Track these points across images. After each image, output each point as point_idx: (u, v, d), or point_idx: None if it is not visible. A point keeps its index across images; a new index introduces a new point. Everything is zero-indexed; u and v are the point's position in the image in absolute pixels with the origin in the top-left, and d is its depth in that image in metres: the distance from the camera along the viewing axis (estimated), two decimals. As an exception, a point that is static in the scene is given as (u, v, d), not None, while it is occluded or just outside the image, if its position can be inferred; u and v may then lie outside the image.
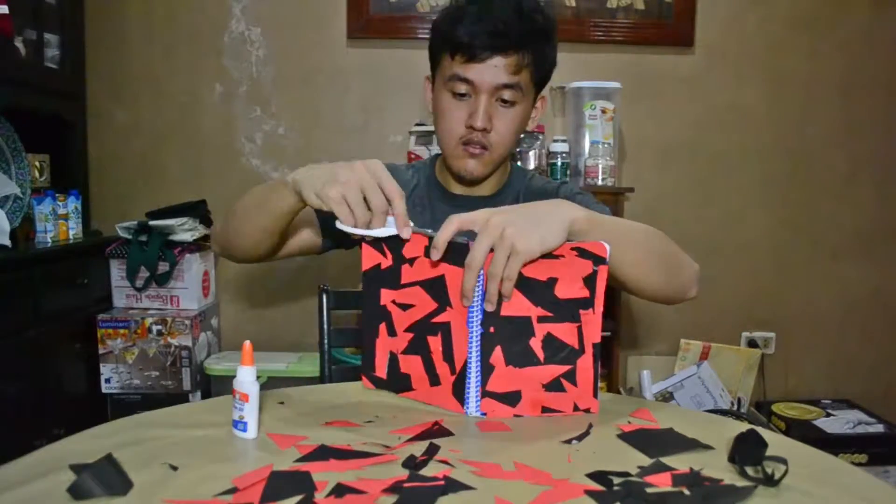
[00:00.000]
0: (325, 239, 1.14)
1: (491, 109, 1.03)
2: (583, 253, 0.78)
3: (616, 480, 0.64)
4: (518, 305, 0.80)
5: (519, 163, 2.12)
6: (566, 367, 0.82)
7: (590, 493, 0.62)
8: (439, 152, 1.24)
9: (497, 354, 0.82)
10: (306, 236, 1.12)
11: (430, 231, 0.83)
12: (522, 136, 2.08)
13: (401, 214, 0.82)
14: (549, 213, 0.80)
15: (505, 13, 0.99)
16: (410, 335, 0.87)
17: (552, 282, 0.80)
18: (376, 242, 0.87)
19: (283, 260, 2.39)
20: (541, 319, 0.81)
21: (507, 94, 1.03)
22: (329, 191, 0.80)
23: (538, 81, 1.07)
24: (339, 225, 0.82)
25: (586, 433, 0.77)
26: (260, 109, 2.31)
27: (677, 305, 2.52)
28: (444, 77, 1.05)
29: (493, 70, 1.01)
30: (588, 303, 0.80)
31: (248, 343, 0.74)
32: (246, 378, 0.73)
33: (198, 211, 2.16)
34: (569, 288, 0.80)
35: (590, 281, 0.79)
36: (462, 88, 1.03)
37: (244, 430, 0.74)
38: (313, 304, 2.23)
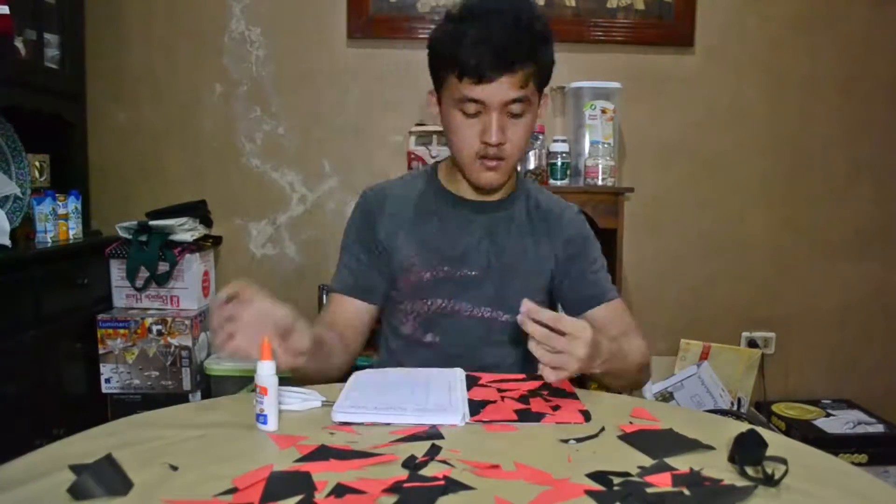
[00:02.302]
0: (374, 298, 1.17)
1: (503, 123, 1.04)
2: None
3: (616, 480, 0.65)
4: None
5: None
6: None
7: (590, 493, 0.62)
8: (439, 159, 1.25)
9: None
10: (365, 317, 1.17)
11: None
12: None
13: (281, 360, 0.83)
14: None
15: (505, 29, 1.00)
16: None
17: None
18: None
19: (281, 260, 2.39)
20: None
21: (516, 108, 1.05)
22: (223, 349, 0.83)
23: (541, 85, 1.09)
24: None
25: (594, 436, 0.77)
26: (260, 109, 2.31)
27: (677, 305, 2.51)
28: (453, 97, 1.05)
29: (500, 89, 1.02)
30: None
31: (266, 339, 0.76)
32: (265, 372, 0.76)
33: (198, 211, 2.16)
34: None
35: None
36: (472, 109, 1.04)
37: (265, 422, 0.77)
38: (313, 304, 2.24)
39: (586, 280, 1.18)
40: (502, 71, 1.01)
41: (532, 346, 0.85)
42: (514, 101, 1.03)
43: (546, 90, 1.12)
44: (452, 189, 1.17)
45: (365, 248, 1.16)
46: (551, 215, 1.19)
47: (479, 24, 1.00)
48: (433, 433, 0.76)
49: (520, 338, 0.92)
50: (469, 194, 1.16)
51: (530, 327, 0.85)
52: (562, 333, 0.84)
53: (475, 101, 1.03)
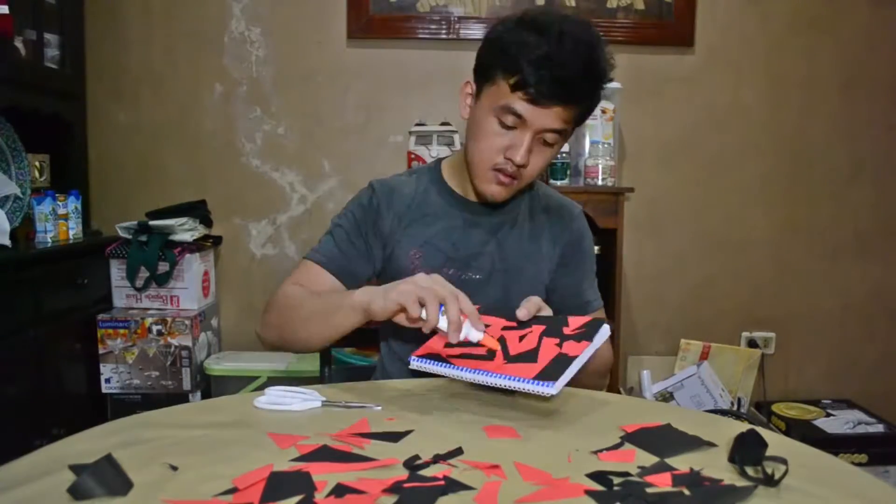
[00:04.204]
0: (350, 283, 1.14)
1: (532, 147, 1.03)
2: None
3: (616, 480, 0.64)
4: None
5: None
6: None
7: (590, 493, 0.62)
8: (442, 157, 1.24)
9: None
10: None
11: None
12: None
13: (454, 319, 0.85)
14: None
15: (579, 62, 0.96)
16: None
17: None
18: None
19: (281, 260, 2.39)
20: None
21: (550, 138, 1.03)
22: (394, 295, 0.88)
23: (579, 123, 1.07)
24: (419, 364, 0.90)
25: (616, 445, 0.75)
26: (260, 109, 2.31)
27: (677, 305, 2.51)
28: (496, 102, 1.01)
29: (549, 116, 0.99)
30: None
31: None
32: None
33: (198, 211, 2.16)
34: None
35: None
36: (511, 122, 1.01)
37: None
38: (313, 304, 2.24)
39: (580, 289, 1.19)
40: (559, 101, 0.98)
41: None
42: (553, 130, 1.01)
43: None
44: (457, 188, 1.17)
45: (362, 236, 1.13)
46: (555, 215, 1.19)
47: (553, 44, 0.95)
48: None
49: None
50: (472, 196, 1.16)
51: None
52: None
53: (518, 116, 1.00)
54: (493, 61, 1.02)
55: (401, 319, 0.91)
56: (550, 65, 0.95)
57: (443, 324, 0.86)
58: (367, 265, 1.14)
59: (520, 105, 0.99)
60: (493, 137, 1.03)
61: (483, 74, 1.05)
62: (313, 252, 1.13)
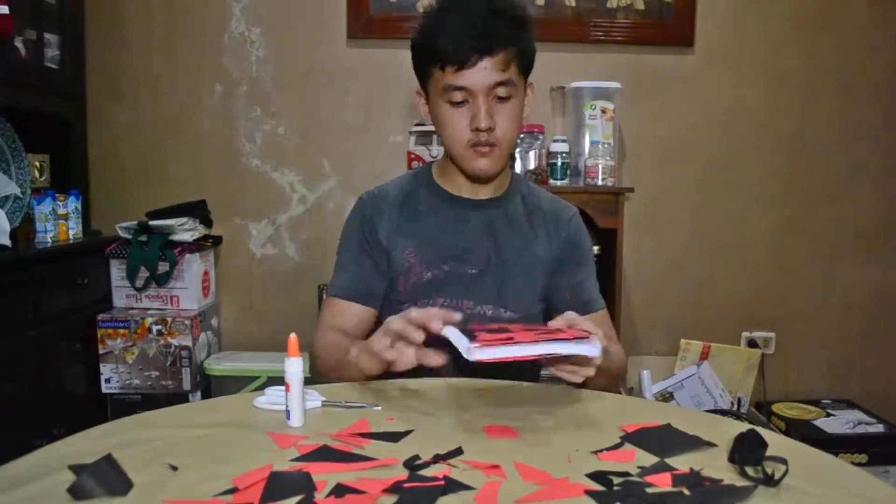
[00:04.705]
0: (374, 302, 1.17)
1: (490, 108, 1.05)
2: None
3: (616, 480, 0.64)
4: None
5: (519, 161, 2.12)
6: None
7: (590, 493, 0.62)
8: (434, 159, 1.25)
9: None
10: (370, 321, 1.18)
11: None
12: (521, 135, 2.08)
13: (438, 316, 0.85)
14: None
15: (483, 14, 1.02)
16: None
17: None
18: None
19: (281, 260, 2.39)
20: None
21: (501, 91, 1.06)
22: (378, 360, 0.90)
23: (524, 71, 1.10)
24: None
25: (616, 445, 0.75)
26: (260, 109, 2.31)
27: (677, 305, 2.51)
28: (438, 89, 1.07)
29: (483, 72, 1.03)
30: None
31: (293, 336, 0.79)
32: (288, 369, 0.78)
33: (198, 211, 2.16)
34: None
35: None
36: (458, 97, 1.05)
37: (288, 418, 0.79)
38: (313, 304, 2.24)
39: (581, 288, 1.20)
40: (482, 54, 1.02)
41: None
42: (499, 84, 1.04)
43: (531, 79, 1.13)
44: (447, 187, 1.18)
45: (366, 251, 1.15)
46: (550, 214, 1.20)
47: (456, 13, 1.03)
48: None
49: None
50: (465, 191, 1.17)
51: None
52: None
53: (460, 88, 1.04)
54: (419, 58, 1.10)
55: (398, 366, 0.89)
56: (458, 29, 1.02)
57: (448, 333, 0.83)
58: (380, 278, 1.16)
59: (454, 78, 1.04)
60: (453, 119, 1.07)
61: (420, 75, 1.12)
62: (332, 287, 1.17)
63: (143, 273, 2.04)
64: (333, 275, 1.18)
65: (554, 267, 1.18)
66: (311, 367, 1.11)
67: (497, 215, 1.17)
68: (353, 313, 1.14)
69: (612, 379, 1.15)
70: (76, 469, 0.61)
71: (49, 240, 1.89)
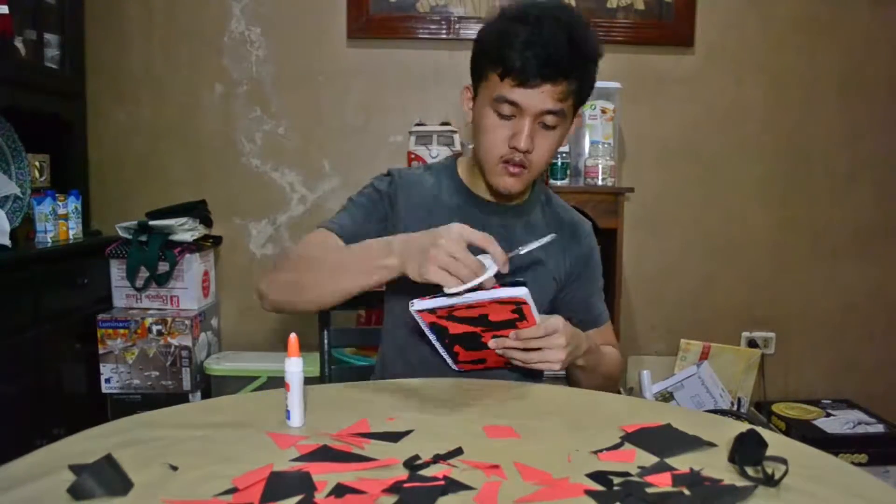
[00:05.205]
0: None
1: (533, 131, 1.04)
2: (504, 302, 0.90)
3: (616, 480, 0.64)
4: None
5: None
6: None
7: (590, 493, 0.62)
8: (453, 154, 1.24)
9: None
10: None
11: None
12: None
13: (499, 254, 0.90)
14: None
15: (558, 39, 0.99)
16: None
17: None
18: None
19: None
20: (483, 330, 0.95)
21: (549, 120, 1.04)
22: (428, 270, 0.88)
23: (578, 103, 1.09)
24: (448, 292, 0.87)
25: (616, 445, 0.75)
26: (260, 109, 2.31)
27: (677, 305, 2.51)
28: (491, 96, 1.04)
29: (540, 97, 1.01)
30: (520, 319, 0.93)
31: (293, 336, 0.78)
32: (288, 369, 0.78)
33: (198, 211, 2.16)
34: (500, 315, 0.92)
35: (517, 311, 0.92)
36: (508, 111, 1.03)
37: (288, 418, 0.79)
38: (313, 304, 2.23)
39: (589, 303, 1.21)
40: (546, 79, 1.00)
41: (502, 351, 0.94)
42: (550, 112, 1.03)
43: (580, 110, 1.12)
44: (472, 188, 1.17)
45: (378, 219, 1.13)
46: (568, 228, 1.20)
47: (532, 28, 0.99)
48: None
49: None
50: (487, 195, 1.17)
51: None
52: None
53: (512, 103, 1.02)
54: (481, 58, 1.07)
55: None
56: (531, 46, 0.98)
57: (480, 278, 0.87)
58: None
59: (511, 91, 1.01)
60: (495, 130, 1.05)
61: (476, 74, 1.09)
62: (329, 222, 1.12)
63: (143, 273, 2.04)
64: (336, 214, 1.13)
65: (565, 281, 1.19)
66: (261, 282, 1.06)
67: (518, 223, 1.17)
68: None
69: (605, 379, 1.16)
70: (76, 469, 0.61)
71: (49, 240, 1.89)
